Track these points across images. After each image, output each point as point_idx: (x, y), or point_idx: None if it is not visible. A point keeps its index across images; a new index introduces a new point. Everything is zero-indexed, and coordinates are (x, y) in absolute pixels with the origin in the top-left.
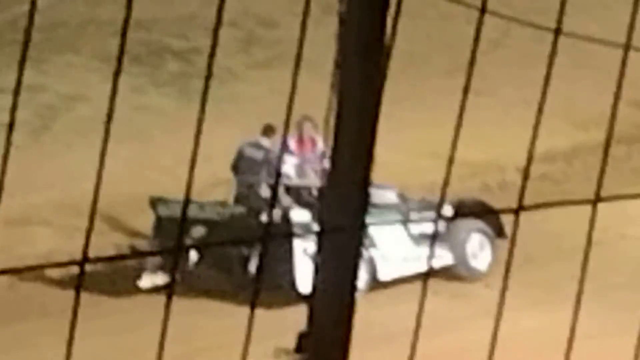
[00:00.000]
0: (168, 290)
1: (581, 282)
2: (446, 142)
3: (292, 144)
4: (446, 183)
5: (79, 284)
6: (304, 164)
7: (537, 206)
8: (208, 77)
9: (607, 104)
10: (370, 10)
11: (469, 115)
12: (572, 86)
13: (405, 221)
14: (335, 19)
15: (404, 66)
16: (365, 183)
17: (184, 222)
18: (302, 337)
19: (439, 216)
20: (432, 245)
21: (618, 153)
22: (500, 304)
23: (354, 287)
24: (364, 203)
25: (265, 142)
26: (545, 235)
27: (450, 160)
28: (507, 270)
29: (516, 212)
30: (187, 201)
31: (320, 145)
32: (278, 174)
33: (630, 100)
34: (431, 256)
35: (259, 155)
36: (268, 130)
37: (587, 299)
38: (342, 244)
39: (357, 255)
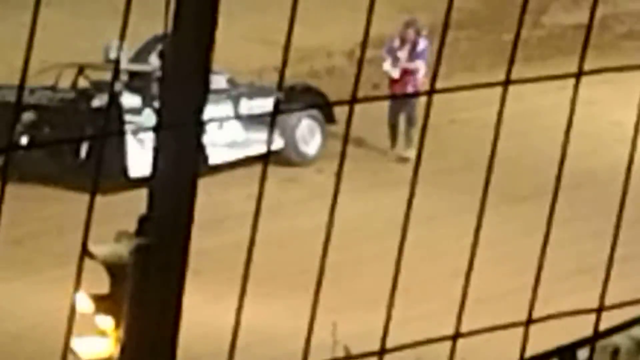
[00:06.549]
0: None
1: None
2: (275, 28)
3: (396, 43)
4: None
5: None
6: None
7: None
8: None
9: None
10: None
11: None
12: None
13: (236, 101)
14: None
15: None
16: (206, 70)
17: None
18: (143, 220)
19: (279, 101)
20: (270, 132)
21: (446, 39)
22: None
23: (195, 173)
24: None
25: None
26: (376, 122)
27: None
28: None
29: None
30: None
31: (422, 46)
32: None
33: None
34: (269, 141)
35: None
36: None
37: (422, 181)
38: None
39: (198, 144)
